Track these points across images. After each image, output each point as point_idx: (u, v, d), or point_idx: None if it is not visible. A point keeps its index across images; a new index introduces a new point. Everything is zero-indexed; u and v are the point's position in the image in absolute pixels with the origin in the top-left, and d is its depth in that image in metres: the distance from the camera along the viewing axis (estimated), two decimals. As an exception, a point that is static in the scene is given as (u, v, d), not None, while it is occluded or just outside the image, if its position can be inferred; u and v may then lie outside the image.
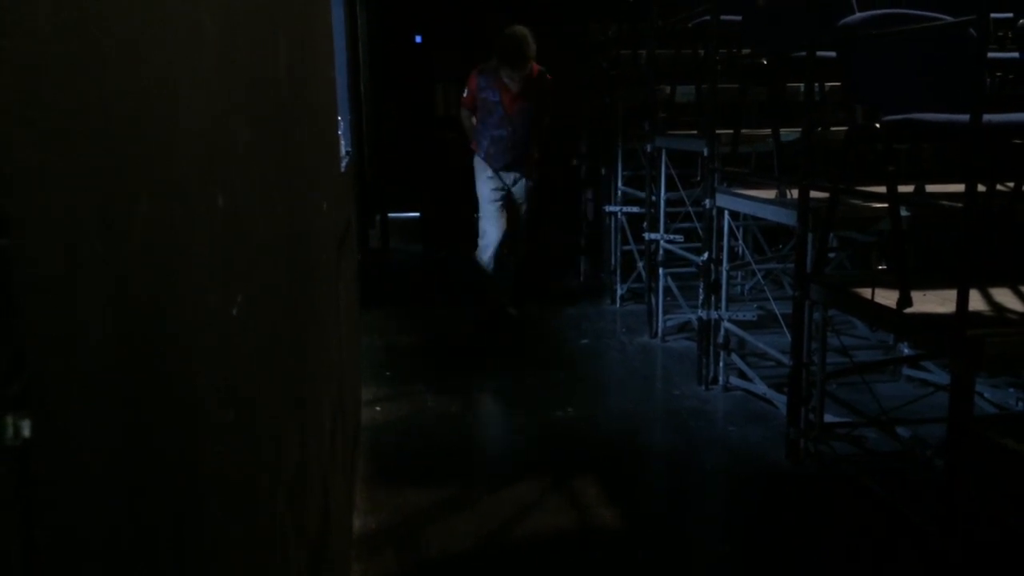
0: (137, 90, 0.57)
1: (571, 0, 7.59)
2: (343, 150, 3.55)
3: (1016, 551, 2.42)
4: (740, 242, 4.90)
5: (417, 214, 9.90)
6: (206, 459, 0.72)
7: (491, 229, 5.11)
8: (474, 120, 5.14)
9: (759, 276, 4.96)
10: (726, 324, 4.13)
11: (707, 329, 4.14)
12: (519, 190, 5.20)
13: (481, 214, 5.16)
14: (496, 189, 5.12)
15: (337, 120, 3.12)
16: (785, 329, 3.79)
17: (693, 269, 5.01)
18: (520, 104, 4.97)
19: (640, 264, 5.68)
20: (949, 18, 2.51)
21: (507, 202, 5.17)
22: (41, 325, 0.41)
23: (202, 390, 0.71)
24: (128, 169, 0.55)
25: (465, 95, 5.15)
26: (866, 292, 2.73)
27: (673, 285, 5.00)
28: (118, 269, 0.52)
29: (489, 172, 5.10)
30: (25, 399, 0.37)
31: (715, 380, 4.11)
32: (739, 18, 3.98)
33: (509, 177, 5.13)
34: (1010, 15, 3.48)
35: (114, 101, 0.53)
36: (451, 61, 10.28)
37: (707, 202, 4.09)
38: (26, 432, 0.37)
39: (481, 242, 5.14)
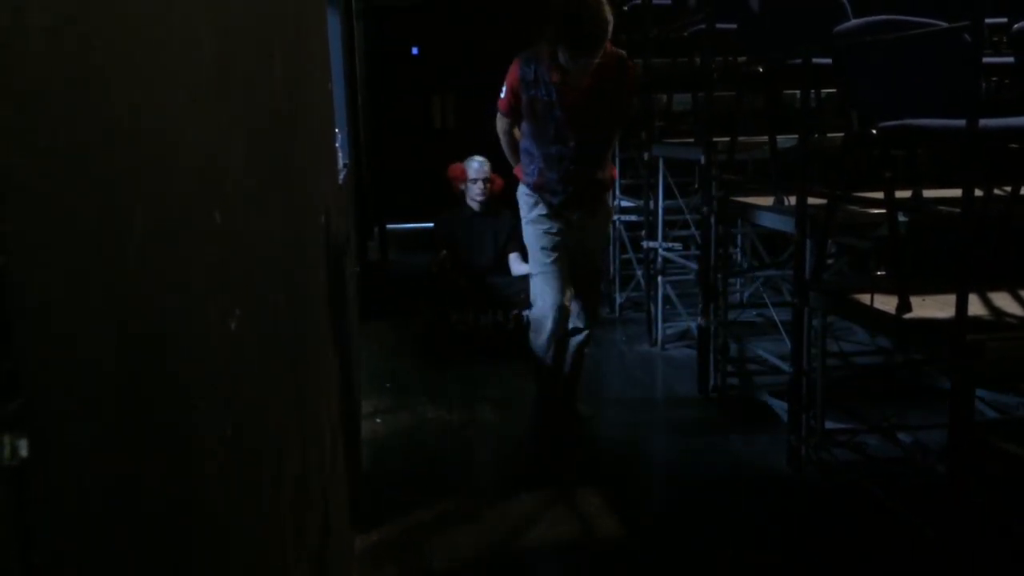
0: (134, 106, 0.57)
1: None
2: (341, 162, 3.56)
3: (1020, 556, 2.41)
4: (739, 249, 4.90)
5: (416, 225, 9.90)
6: (206, 475, 0.72)
7: (548, 293, 3.36)
8: (517, 133, 3.47)
9: (758, 283, 4.96)
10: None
11: (706, 336, 4.14)
12: (589, 235, 3.46)
13: (532, 271, 3.46)
14: (553, 234, 3.36)
15: (335, 132, 3.13)
16: (785, 336, 3.79)
17: (692, 277, 5.01)
18: (588, 106, 3.20)
19: (639, 272, 5.68)
20: (944, 24, 2.52)
21: (570, 253, 3.41)
22: (38, 343, 0.41)
23: (201, 405, 0.70)
24: (125, 185, 0.54)
25: (502, 96, 3.37)
26: (865, 298, 2.73)
27: (672, 293, 5.00)
28: (115, 285, 0.52)
29: (542, 209, 3.37)
30: (22, 418, 0.37)
31: (715, 388, 4.10)
32: (735, 26, 3.99)
33: (573, 216, 3.37)
34: (1005, 20, 3.49)
35: (111, 117, 0.53)
36: (448, 73, 10.33)
37: (705, 209, 4.09)
38: (23, 452, 0.36)
39: (534, 314, 3.46)
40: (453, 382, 4.43)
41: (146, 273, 0.57)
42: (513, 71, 3.27)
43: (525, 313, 4.38)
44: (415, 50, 10.11)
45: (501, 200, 5.03)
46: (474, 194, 5.12)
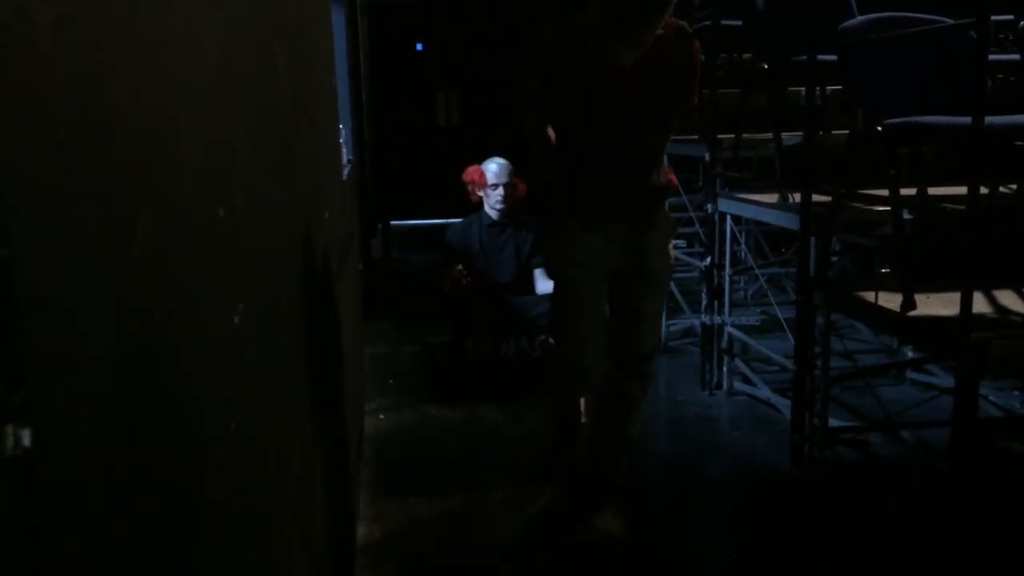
0: (138, 104, 0.57)
1: (571, 7, 7.61)
2: (344, 159, 3.56)
3: (1023, 554, 2.41)
4: (743, 247, 4.90)
5: (419, 222, 9.90)
6: (209, 469, 0.72)
7: (576, 340, 2.61)
8: (551, 132, 2.63)
9: (762, 281, 4.95)
10: (729, 329, 4.13)
11: (710, 334, 4.13)
12: (646, 257, 2.59)
13: (556, 311, 2.69)
14: (591, 256, 2.55)
15: (338, 129, 3.13)
16: (789, 334, 3.78)
17: (696, 274, 5.01)
18: (643, 90, 2.43)
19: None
20: (950, 21, 2.51)
21: (619, 283, 2.62)
22: (43, 336, 0.41)
23: (204, 400, 0.71)
24: (129, 181, 0.55)
25: (530, 82, 2.64)
26: (869, 296, 2.72)
27: (676, 290, 5.00)
28: (119, 280, 0.52)
29: (579, 223, 2.55)
30: (27, 409, 0.37)
31: (719, 385, 4.10)
32: (739, 23, 3.98)
33: (620, 237, 2.55)
34: (1011, 17, 3.48)
35: (115, 115, 0.53)
36: (453, 69, 10.32)
37: (709, 207, 4.08)
38: (27, 442, 0.37)
39: (558, 365, 2.72)
40: (456, 378, 4.43)
41: (150, 268, 0.57)
42: (546, 49, 2.52)
43: (551, 340, 3.68)
44: (419, 46, 10.11)
45: (524, 208, 4.47)
46: (494, 201, 4.37)
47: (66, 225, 0.45)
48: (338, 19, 4.58)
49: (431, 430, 3.70)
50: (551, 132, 2.62)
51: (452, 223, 4.60)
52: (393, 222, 8.57)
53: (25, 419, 0.37)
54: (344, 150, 3.61)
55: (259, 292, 0.98)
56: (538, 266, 4.46)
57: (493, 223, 4.47)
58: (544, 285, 4.38)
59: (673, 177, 2.68)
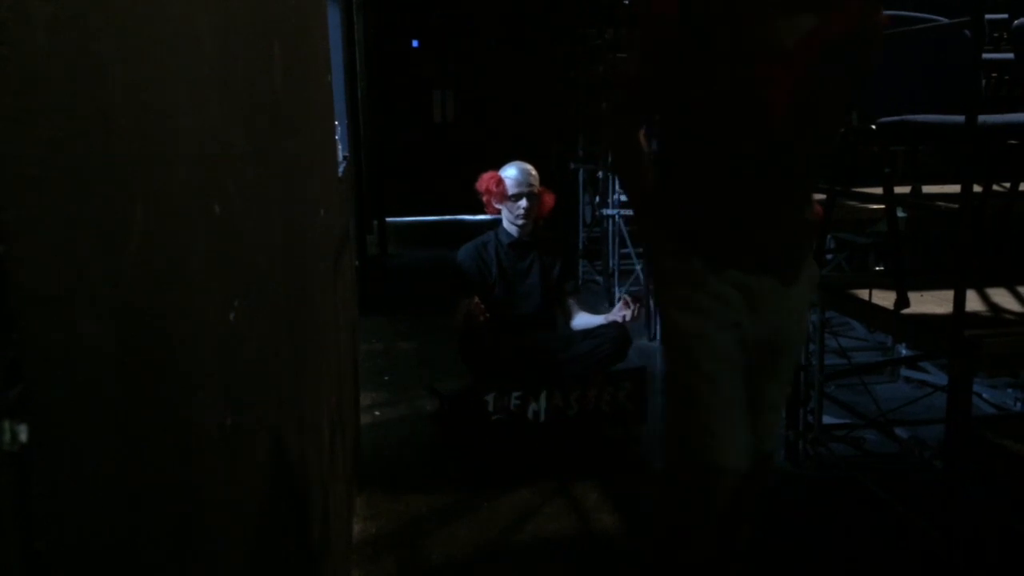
0: (134, 99, 0.57)
1: (568, 5, 7.61)
2: (340, 155, 3.56)
3: (1016, 551, 2.42)
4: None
5: (415, 219, 9.89)
6: (204, 464, 0.73)
7: (714, 437, 1.77)
8: (643, 140, 1.92)
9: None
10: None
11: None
12: (786, 317, 1.89)
13: (673, 395, 1.93)
14: (723, 320, 1.81)
15: (334, 125, 3.13)
16: (783, 331, 3.78)
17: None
18: (814, 80, 1.68)
19: (638, 267, 5.68)
20: (944, 19, 2.52)
21: (752, 352, 1.86)
22: (39, 331, 0.41)
23: (200, 395, 0.71)
24: (125, 177, 0.55)
25: (627, 64, 2.16)
26: (863, 293, 2.73)
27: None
28: (115, 274, 0.52)
29: (701, 274, 1.81)
30: (23, 405, 0.37)
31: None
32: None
33: (753, 291, 1.82)
34: (1005, 16, 3.49)
35: (110, 110, 0.53)
36: (448, 66, 10.32)
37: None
38: (23, 437, 0.37)
39: (675, 473, 1.89)
40: (452, 375, 4.44)
41: (146, 263, 0.58)
42: (652, 13, 1.72)
43: (590, 394, 3.25)
44: (415, 43, 10.10)
45: (550, 224, 3.76)
46: (516, 215, 3.52)
47: (62, 220, 0.45)
48: (334, 15, 4.57)
49: (426, 425, 3.70)
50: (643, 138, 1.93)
51: (465, 246, 3.66)
52: (388, 219, 8.57)
53: (21, 415, 0.37)
54: (340, 147, 3.61)
55: (255, 288, 0.98)
56: (573, 291, 3.68)
57: (515, 242, 3.58)
58: (585, 319, 3.59)
59: (820, 208, 1.91)
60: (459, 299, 3.47)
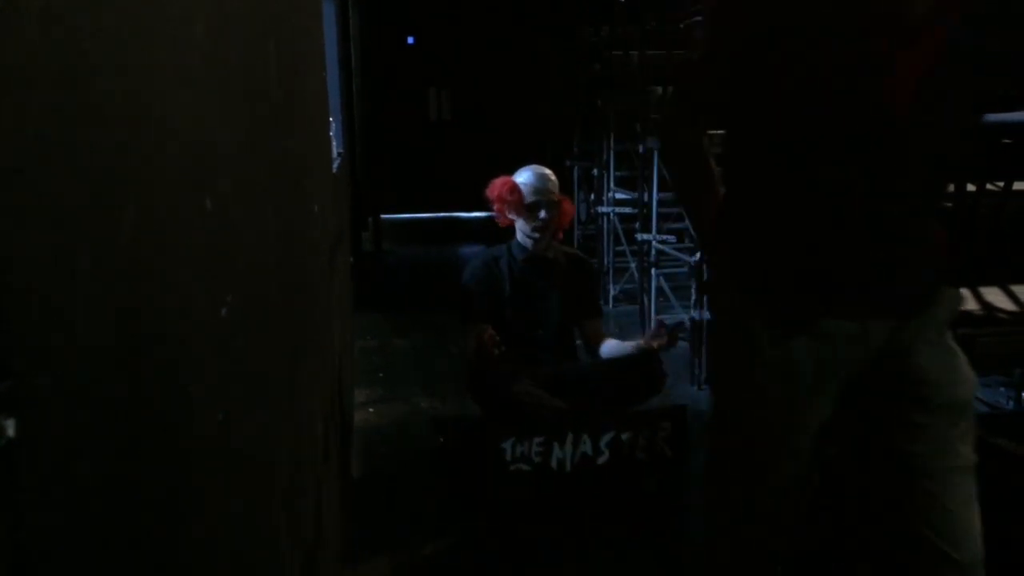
0: (125, 91, 0.57)
1: (562, 2, 7.61)
2: (335, 151, 3.55)
3: (1009, 550, 2.43)
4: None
5: (410, 216, 9.89)
6: (197, 461, 0.72)
7: (762, 512, 1.51)
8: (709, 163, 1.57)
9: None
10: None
11: (700, 329, 4.15)
12: (935, 370, 1.41)
13: (717, 480, 1.57)
14: (804, 390, 1.42)
15: (329, 121, 3.12)
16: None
17: (685, 269, 5.02)
18: (950, 69, 1.29)
19: (632, 265, 5.69)
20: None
21: (878, 436, 1.44)
22: (28, 326, 0.41)
23: (192, 391, 0.71)
24: (115, 171, 0.54)
25: (701, 51, 1.50)
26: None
27: (666, 286, 5.01)
28: (106, 270, 0.52)
29: (805, 322, 1.41)
30: (11, 399, 0.37)
31: (708, 380, 4.11)
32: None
33: (878, 333, 1.40)
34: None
35: (101, 103, 0.53)
36: (444, 63, 10.31)
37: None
38: (11, 432, 0.37)
39: (722, 546, 1.58)
40: (446, 372, 4.44)
41: (137, 257, 0.57)
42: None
43: (623, 437, 2.81)
44: (411, 40, 10.08)
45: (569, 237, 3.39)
46: (533, 227, 3.11)
47: (52, 215, 0.45)
48: (329, 12, 4.56)
49: (421, 423, 3.71)
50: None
51: (473, 263, 3.25)
52: (383, 216, 8.57)
53: (10, 409, 0.37)
54: (335, 143, 3.60)
55: (248, 284, 0.98)
56: (597, 314, 3.33)
57: (531, 257, 3.18)
58: (611, 345, 3.19)
59: (943, 233, 1.48)
60: (468, 326, 3.08)
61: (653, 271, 4.94)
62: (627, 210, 5.70)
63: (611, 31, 5.97)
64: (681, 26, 4.64)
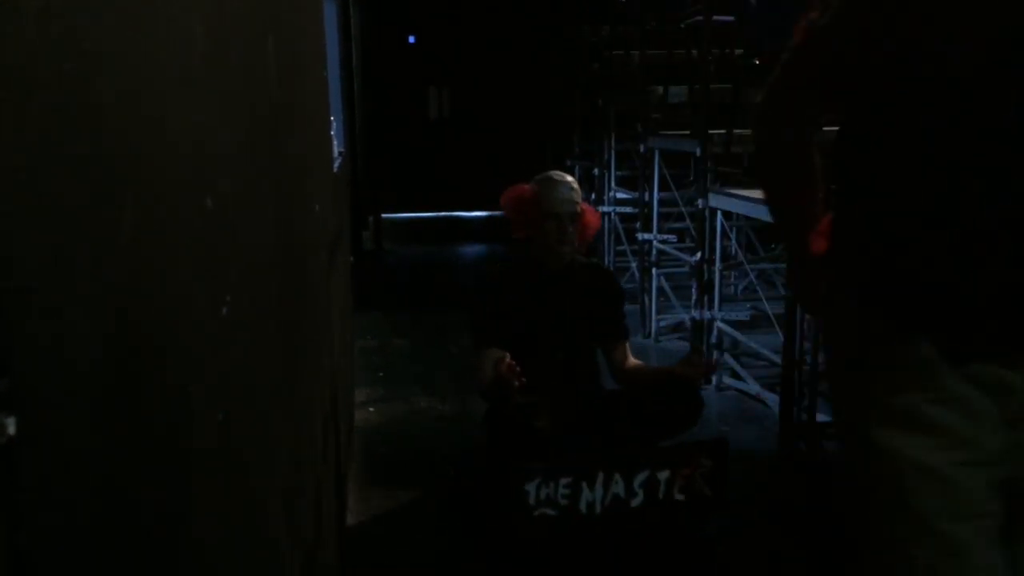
0: (124, 93, 0.57)
1: (563, 2, 7.61)
2: (335, 151, 3.56)
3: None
4: (733, 242, 4.91)
5: (410, 215, 9.89)
6: (197, 460, 0.72)
7: None
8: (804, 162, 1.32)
9: (752, 276, 4.97)
10: (719, 324, 4.14)
11: (700, 329, 4.15)
12: None
13: (885, 566, 1.19)
14: (981, 459, 1.11)
15: (329, 120, 3.13)
16: (778, 329, 3.80)
17: (686, 269, 5.03)
18: None
19: (633, 264, 5.69)
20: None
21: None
22: (27, 325, 0.41)
23: (191, 390, 0.71)
24: (115, 171, 0.55)
25: (826, 15, 1.23)
26: (858, 292, 2.73)
27: (667, 285, 5.01)
28: (106, 269, 0.52)
29: (946, 368, 1.10)
30: (11, 398, 0.37)
31: (708, 380, 4.11)
32: (731, 18, 3.99)
33: None
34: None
35: (100, 102, 0.53)
36: (444, 62, 10.31)
37: (700, 202, 4.10)
38: (11, 430, 0.37)
39: None
40: (446, 372, 4.44)
41: (136, 256, 0.57)
42: None
43: (659, 476, 2.51)
44: (412, 39, 10.08)
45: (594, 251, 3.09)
46: (554, 240, 2.77)
47: (52, 215, 0.45)
48: (330, 11, 4.56)
49: (420, 422, 3.71)
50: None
51: (486, 281, 2.96)
52: (384, 215, 8.57)
53: (9, 408, 0.37)
54: (335, 142, 3.60)
55: (248, 283, 0.98)
56: (623, 335, 2.96)
57: (551, 273, 2.83)
58: (644, 371, 2.96)
59: None
60: (483, 350, 2.74)
61: (654, 271, 4.94)
62: (628, 209, 5.71)
63: (611, 30, 5.97)
64: (682, 26, 4.64)
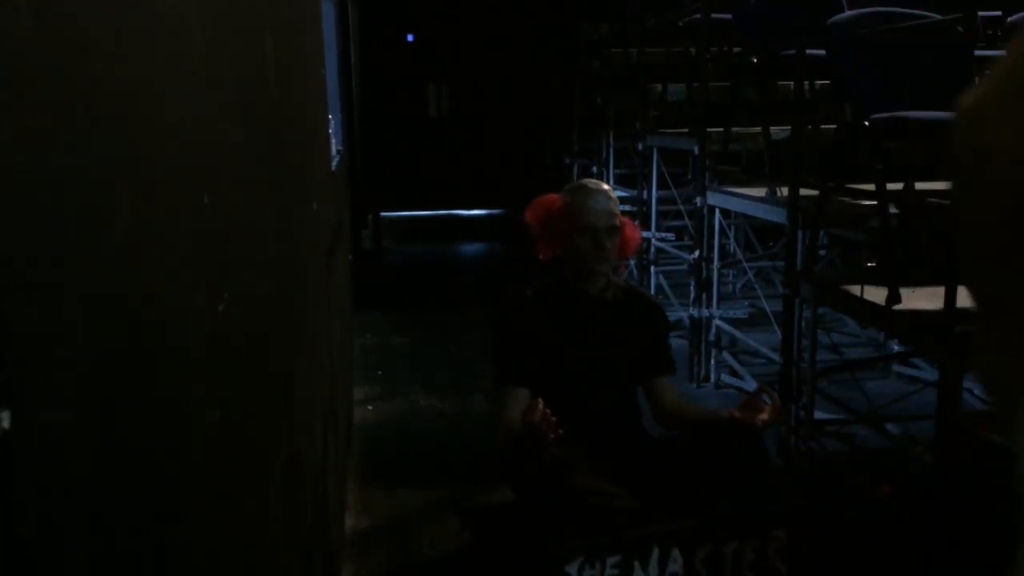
0: (122, 88, 0.57)
1: (562, 0, 7.60)
2: (334, 149, 3.55)
3: (1005, 546, 2.44)
4: (731, 240, 4.92)
5: (409, 213, 9.88)
6: (193, 456, 0.73)
7: None
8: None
9: (750, 274, 4.97)
10: (717, 322, 4.14)
11: (698, 327, 4.15)
12: None
13: None
14: None
15: (328, 118, 3.12)
16: (776, 327, 3.80)
17: (684, 267, 5.03)
18: None
19: (631, 262, 5.69)
20: (938, 16, 2.52)
21: None
22: (23, 319, 0.41)
23: (188, 386, 0.71)
24: (112, 167, 0.55)
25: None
26: (855, 289, 2.74)
27: (665, 283, 5.01)
28: (102, 265, 0.52)
29: None
30: (6, 392, 0.37)
31: (707, 378, 4.12)
32: (729, 17, 3.99)
33: None
34: (999, 13, 3.50)
35: (98, 100, 0.53)
36: (443, 60, 10.30)
37: (699, 200, 4.10)
38: (5, 424, 0.37)
39: None
40: (445, 370, 4.44)
41: (133, 252, 0.58)
42: None
43: (725, 551, 2.11)
44: (410, 37, 10.07)
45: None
46: (591, 258, 2.34)
47: (48, 210, 0.45)
48: (328, 8, 4.56)
49: (420, 421, 3.71)
50: None
51: (508, 300, 2.51)
52: (383, 213, 8.56)
53: (4, 401, 0.37)
54: (334, 141, 3.60)
55: (245, 281, 0.98)
56: (667, 370, 2.48)
57: (586, 296, 2.41)
58: (688, 413, 2.46)
59: None
60: (506, 388, 2.32)
61: (652, 269, 4.95)
62: (626, 207, 5.71)
63: (610, 28, 5.97)
64: (680, 24, 4.64)
